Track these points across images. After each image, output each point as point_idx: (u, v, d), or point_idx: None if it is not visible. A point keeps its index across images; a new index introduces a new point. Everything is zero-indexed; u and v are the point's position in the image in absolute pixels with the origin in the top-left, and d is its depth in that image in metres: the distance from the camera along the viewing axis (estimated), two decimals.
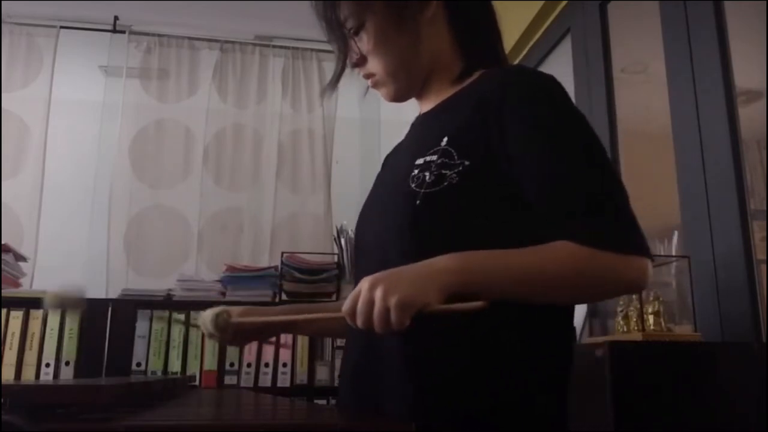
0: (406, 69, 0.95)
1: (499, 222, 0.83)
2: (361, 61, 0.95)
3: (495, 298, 0.75)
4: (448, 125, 0.89)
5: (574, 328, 0.91)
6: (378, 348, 0.86)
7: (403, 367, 0.83)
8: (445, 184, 0.83)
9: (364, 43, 0.93)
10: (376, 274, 0.75)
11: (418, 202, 0.84)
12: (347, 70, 0.99)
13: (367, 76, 0.97)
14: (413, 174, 0.87)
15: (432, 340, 0.82)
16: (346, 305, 0.76)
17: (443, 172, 0.84)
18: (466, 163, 0.83)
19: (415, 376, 0.82)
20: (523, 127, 0.83)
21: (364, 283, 0.74)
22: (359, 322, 0.74)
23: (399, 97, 0.98)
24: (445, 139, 0.87)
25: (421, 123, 1.01)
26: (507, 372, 0.81)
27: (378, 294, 0.73)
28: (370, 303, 0.73)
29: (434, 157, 0.86)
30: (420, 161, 0.88)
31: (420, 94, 1.00)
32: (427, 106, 1.00)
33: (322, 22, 0.95)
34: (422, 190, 0.84)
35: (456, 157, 0.84)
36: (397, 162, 0.99)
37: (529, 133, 0.83)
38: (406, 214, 0.85)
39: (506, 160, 0.83)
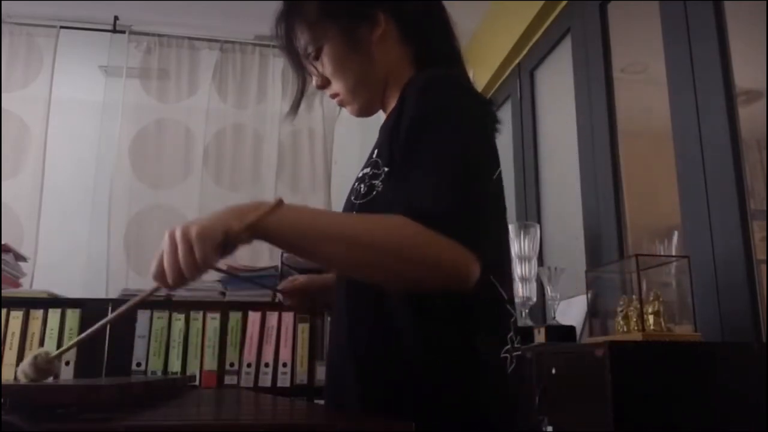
0: (364, 85, 1.01)
1: None
2: (326, 83, 1.02)
3: (301, 244, 0.78)
4: (379, 136, 0.96)
5: (512, 321, 0.90)
6: (341, 346, 0.91)
7: (352, 364, 0.88)
8: (374, 193, 0.88)
9: (324, 66, 1.00)
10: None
11: (354, 213, 0.90)
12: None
13: (333, 95, 1.03)
14: (354, 186, 0.94)
15: (377, 338, 0.85)
16: (153, 269, 0.75)
17: (373, 182, 0.89)
18: (386, 170, 0.88)
19: (363, 374, 0.86)
20: (405, 127, 0.86)
21: (164, 237, 0.74)
22: (168, 275, 0.73)
23: (364, 111, 1.04)
24: (376, 150, 0.94)
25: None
26: (448, 369, 0.83)
27: (178, 235, 0.72)
28: (173, 251, 0.72)
29: (368, 170, 0.92)
30: (360, 174, 0.94)
31: (383, 106, 1.05)
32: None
33: (283, 52, 1.02)
34: (358, 202, 0.90)
35: (381, 166, 0.89)
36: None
37: (405, 134, 0.85)
38: None
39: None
